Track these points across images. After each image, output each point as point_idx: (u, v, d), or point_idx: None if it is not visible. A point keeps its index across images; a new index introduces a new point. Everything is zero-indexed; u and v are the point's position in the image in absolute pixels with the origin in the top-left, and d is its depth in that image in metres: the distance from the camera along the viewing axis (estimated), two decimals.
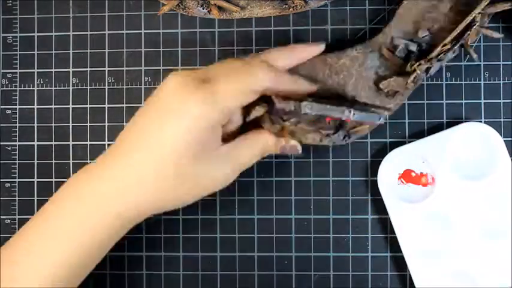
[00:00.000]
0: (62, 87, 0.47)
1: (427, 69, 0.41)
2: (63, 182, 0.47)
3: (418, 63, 0.40)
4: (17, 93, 0.48)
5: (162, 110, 0.36)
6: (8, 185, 0.47)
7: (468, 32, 0.39)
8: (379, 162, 0.44)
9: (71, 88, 0.47)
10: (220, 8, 0.44)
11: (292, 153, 0.41)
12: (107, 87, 0.47)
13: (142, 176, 0.36)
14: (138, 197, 0.36)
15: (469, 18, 0.39)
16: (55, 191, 0.47)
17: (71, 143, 0.47)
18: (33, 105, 0.48)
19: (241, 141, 0.40)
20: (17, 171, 0.47)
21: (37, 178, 0.47)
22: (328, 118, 0.40)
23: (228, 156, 0.38)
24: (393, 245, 0.45)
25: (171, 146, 0.35)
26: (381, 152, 0.45)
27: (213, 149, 0.37)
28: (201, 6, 0.44)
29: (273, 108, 0.39)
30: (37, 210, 0.46)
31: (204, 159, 0.37)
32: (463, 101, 0.45)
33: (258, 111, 0.40)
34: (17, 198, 0.47)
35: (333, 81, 0.42)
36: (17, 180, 0.47)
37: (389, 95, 0.42)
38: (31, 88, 0.48)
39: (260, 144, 0.40)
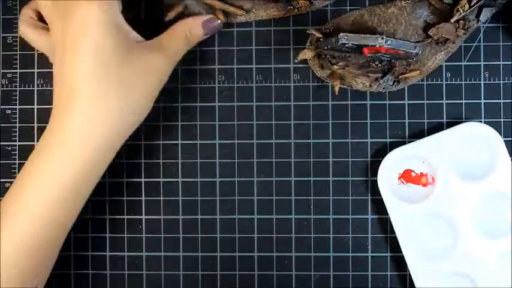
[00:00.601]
0: None
1: (478, 15, 0.41)
2: None
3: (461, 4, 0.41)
4: (17, 93, 0.48)
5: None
6: (8, 185, 0.47)
7: None
8: (379, 162, 0.44)
9: None
10: (225, 13, 0.44)
11: (215, 28, 0.43)
12: None
13: (88, 99, 0.37)
14: (97, 116, 0.37)
15: None
16: None
17: None
18: (33, 105, 0.48)
19: (166, 33, 0.41)
20: (17, 171, 0.47)
21: None
22: (365, 49, 0.40)
23: (155, 48, 0.40)
24: (393, 245, 0.45)
25: (92, 56, 0.36)
26: (381, 152, 0.45)
27: (133, 47, 0.38)
28: (206, 11, 0.44)
29: (320, 49, 0.42)
30: None
31: (129, 55, 0.38)
32: (463, 101, 0.45)
33: (305, 54, 0.43)
34: None
35: (382, 30, 0.43)
36: None
37: (439, 43, 0.42)
38: (31, 88, 0.48)
39: (183, 31, 0.41)
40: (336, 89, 0.44)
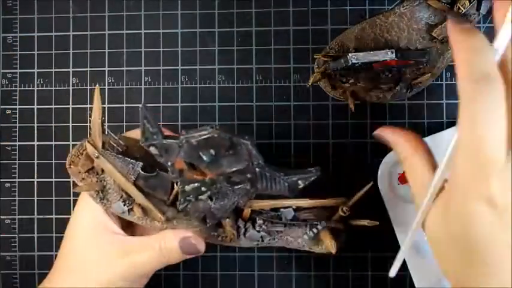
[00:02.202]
0: (62, 87, 0.47)
1: (478, 8, 0.41)
2: (63, 182, 0.47)
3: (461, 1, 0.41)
4: (17, 93, 0.48)
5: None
6: (8, 185, 0.47)
7: None
8: (379, 162, 0.44)
9: (71, 88, 0.47)
10: (143, 209, 0.39)
11: (194, 251, 0.38)
12: (106, 87, 0.47)
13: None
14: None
15: None
16: (55, 191, 0.47)
17: (71, 143, 0.47)
18: (33, 105, 0.48)
19: (141, 238, 0.39)
20: (17, 171, 0.47)
21: (37, 178, 0.47)
22: (375, 65, 0.40)
23: (129, 251, 0.37)
24: (393, 245, 0.45)
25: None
26: (381, 152, 0.45)
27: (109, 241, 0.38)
28: (123, 202, 0.39)
29: (328, 71, 0.41)
30: (37, 210, 0.47)
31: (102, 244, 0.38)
32: None
33: (316, 77, 0.42)
34: (17, 198, 0.47)
35: (386, 40, 0.42)
36: (17, 180, 0.47)
37: (444, 42, 0.42)
38: (31, 88, 0.48)
39: (157, 243, 0.37)
40: (352, 106, 0.43)
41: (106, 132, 0.39)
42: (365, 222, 0.40)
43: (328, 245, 0.39)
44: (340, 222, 0.40)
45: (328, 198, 0.40)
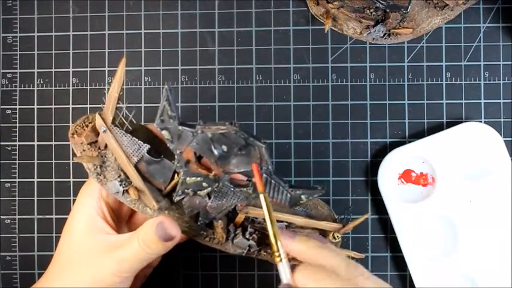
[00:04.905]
0: (62, 87, 0.47)
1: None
2: (63, 182, 0.47)
3: None
4: (17, 93, 0.48)
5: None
6: (8, 185, 0.47)
7: None
8: (379, 162, 0.44)
9: (71, 88, 0.47)
10: (138, 193, 0.38)
11: (168, 236, 0.36)
12: (106, 87, 0.47)
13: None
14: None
15: None
16: (55, 191, 0.47)
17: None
18: (33, 105, 0.48)
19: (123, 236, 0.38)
20: (17, 171, 0.47)
21: (37, 178, 0.47)
22: None
23: (111, 248, 0.37)
24: (393, 245, 0.45)
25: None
26: (381, 152, 0.45)
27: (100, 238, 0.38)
28: (120, 182, 0.38)
29: None
30: (37, 210, 0.47)
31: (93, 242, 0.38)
32: (463, 101, 0.45)
33: None
34: (17, 198, 0.47)
35: None
36: (17, 180, 0.47)
37: (438, 7, 0.42)
38: (31, 88, 0.48)
39: (139, 235, 0.37)
40: (326, 27, 0.43)
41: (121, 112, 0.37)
42: (352, 254, 0.40)
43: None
44: None
45: (324, 220, 0.39)
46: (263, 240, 0.39)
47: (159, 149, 0.36)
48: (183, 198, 0.37)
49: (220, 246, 0.39)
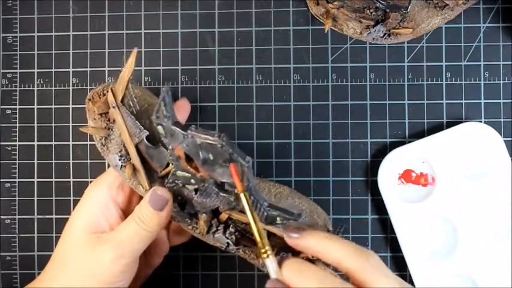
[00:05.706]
0: (62, 87, 0.47)
1: None
2: (63, 182, 0.47)
3: None
4: (17, 93, 0.48)
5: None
6: (8, 185, 0.47)
7: None
8: (379, 162, 0.44)
9: (71, 88, 0.47)
10: (134, 170, 0.39)
11: (161, 200, 0.37)
12: None
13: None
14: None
15: None
16: (55, 191, 0.47)
17: (71, 143, 0.47)
18: (33, 105, 0.48)
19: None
20: (17, 171, 0.47)
21: (37, 178, 0.47)
22: None
23: (104, 240, 0.38)
24: (393, 245, 0.45)
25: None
26: (381, 152, 0.45)
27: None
28: (120, 157, 0.39)
29: None
30: (37, 210, 0.47)
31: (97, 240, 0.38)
32: (463, 101, 0.45)
33: None
34: (17, 198, 0.47)
35: None
36: (17, 180, 0.47)
37: (437, 7, 0.42)
38: (31, 88, 0.48)
39: (135, 214, 0.38)
40: (326, 27, 0.43)
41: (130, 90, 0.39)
42: None
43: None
44: (307, 260, 0.38)
45: (316, 230, 0.39)
46: (242, 242, 0.40)
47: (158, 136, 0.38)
48: (173, 186, 0.38)
49: (202, 237, 0.40)
